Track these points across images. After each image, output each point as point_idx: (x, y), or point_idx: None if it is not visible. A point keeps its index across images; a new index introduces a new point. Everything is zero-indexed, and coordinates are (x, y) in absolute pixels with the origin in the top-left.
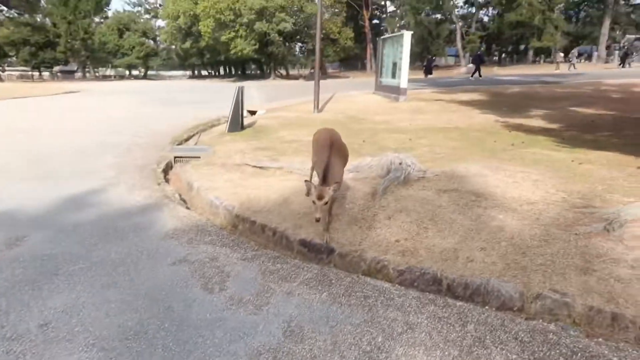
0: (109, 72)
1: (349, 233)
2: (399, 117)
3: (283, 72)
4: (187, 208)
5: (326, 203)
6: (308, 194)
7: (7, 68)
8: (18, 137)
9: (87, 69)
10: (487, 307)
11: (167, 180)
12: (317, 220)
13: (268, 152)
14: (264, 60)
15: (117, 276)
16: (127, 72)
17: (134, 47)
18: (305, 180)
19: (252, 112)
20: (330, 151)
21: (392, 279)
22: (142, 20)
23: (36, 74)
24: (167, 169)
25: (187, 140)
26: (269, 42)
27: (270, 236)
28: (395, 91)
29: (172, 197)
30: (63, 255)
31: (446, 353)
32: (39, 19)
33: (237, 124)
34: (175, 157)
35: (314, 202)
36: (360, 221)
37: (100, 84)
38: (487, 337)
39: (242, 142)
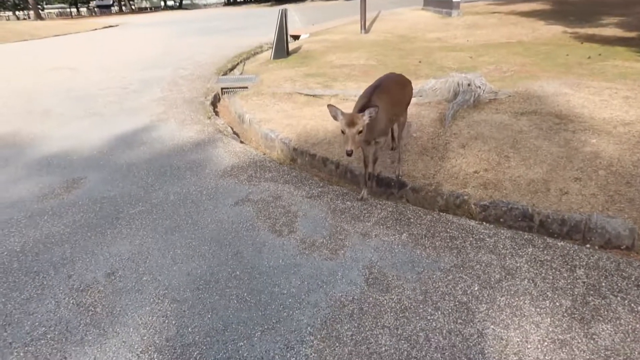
0: (144, 3)
1: (420, 164)
2: (453, 33)
3: None
4: (242, 142)
5: (360, 132)
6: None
7: (46, 6)
8: (62, 76)
9: (122, 2)
10: (590, 247)
11: (217, 113)
12: (349, 154)
13: (319, 79)
14: None
15: (179, 219)
16: (163, 3)
17: None
18: (329, 105)
19: (296, 37)
20: (381, 85)
21: (475, 215)
22: None
23: (74, 10)
24: (215, 101)
25: (231, 70)
26: None
27: (333, 170)
28: (447, 5)
29: (224, 131)
30: (122, 197)
31: (557, 304)
32: None
33: (282, 50)
34: (222, 89)
35: (342, 131)
36: (431, 151)
37: (137, 17)
38: (603, 283)
39: (289, 69)
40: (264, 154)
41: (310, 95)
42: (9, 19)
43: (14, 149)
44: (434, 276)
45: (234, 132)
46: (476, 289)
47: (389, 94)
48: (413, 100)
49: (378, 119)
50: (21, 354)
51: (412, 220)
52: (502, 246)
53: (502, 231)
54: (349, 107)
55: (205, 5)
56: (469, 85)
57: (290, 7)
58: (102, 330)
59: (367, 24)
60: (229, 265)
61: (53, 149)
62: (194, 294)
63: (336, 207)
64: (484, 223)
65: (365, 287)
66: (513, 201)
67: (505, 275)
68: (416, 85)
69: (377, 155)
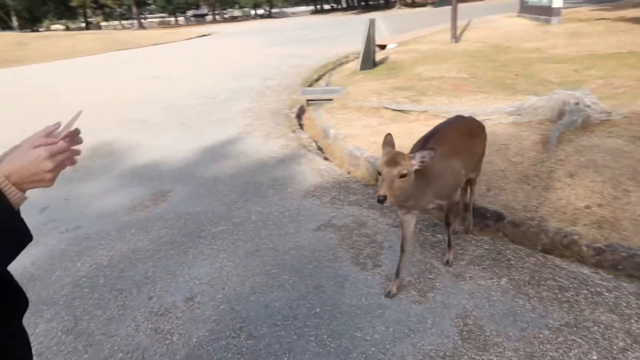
0: (236, 12)
1: (520, 194)
2: (553, 42)
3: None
4: (326, 158)
5: (403, 176)
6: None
7: (148, 16)
8: (159, 85)
9: (216, 12)
10: None
11: (301, 127)
12: (381, 200)
13: (407, 92)
14: None
15: (259, 242)
16: (253, 12)
17: None
18: (388, 134)
19: (382, 46)
20: (437, 133)
21: (586, 259)
22: None
23: (173, 19)
24: (300, 114)
25: (317, 80)
26: None
27: None
28: (545, 12)
29: (308, 145)
30: (205, 214)
31: None
32: None
33: (369, 60)
34: (307, 100)
35: (379, 172)
36: (533, 179)
37: (229, 26)
38: None
39: (376, 81)
40: (349, 173)
41: (398, 111)
42: (115, 28)
43: (111, 157)
44: (541, 335)
45: (318, 147)
46: (595, 358)
47: (451, 145)
48: (510, 119)
49: (432, 176)
50: None
51: (512, 261)
52: (625, 304)
53: (624, 284)
54: None
55: (294, 14)
56: (576, 104)
57: (377, 15)
58: None
59: (458, 32)
60: (309, 300)
61: (145, 159)
62: (271, 330)
63: (425, 240)
64: (600, 272)
65: (459, 342)
66: (636, 246)
67: (632, 343)
68: (514, 102)
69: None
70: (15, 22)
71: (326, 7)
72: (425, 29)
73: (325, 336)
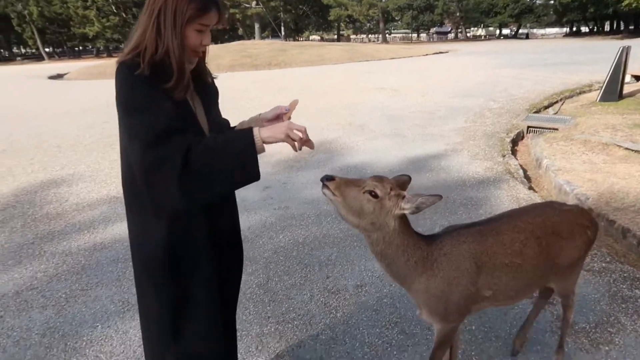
0: (480, 32)
1: None
2: None
3: None
4: (530, 188)
5: (371, 195)
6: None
7: (392, 31)
8: (384, 96)
9: (459, 30)
10: None
11: (513, 153)
12: (323, 178)
13: None
14: None
15: None
16: (497, 32)
17: (507, 5)
18: (403, 175)
19: (638, 77)
20: (501, 221)
21: None
22: None
23: (415, 35)
24: (516, 139)
25: (546, 107)
26: None
27: (633, 245)
28: None
29: (514, 173)
30: None
31: None
32: None
33: (613, 91)
34: (528, 127)
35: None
36: None
37: (470, 44)
38: None
39: (615, 115)
40: None
41: (632, 150)
42: (361, 41)
43: (328, 154)
44: None
45: (525, 176)
46: None
47: (505, 240)
48: None
49: (437, 271)
50: (272, 329)
51: None
52: None
53: None
54: None
55: (543, 36)
56: None
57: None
58: (334, 334)
59: None
60: (467, 317)
61: (355, 160)
62: (423, 332)
63: (617, 292)
64: None
65: None
66: None
67: None
68: None
69: None
70: (282, 32)
71: (584, 29)
72: None
73: (472, 353)
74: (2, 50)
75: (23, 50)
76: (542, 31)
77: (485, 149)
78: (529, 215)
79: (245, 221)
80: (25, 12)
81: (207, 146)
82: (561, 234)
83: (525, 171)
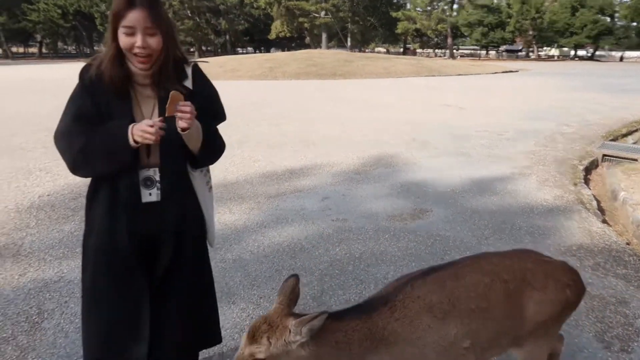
0: (553, 52)
1: None
2: None
3: None
4: (604, 221)
5: None
6: None
7: (460, 47)
8: (449, 113)
9: (530, 49)
10: None
11: (586, 181)
12: None
13: None
14: None
15: None
16: (572, 53)
17: (585, 25)
18: (291, 277)
19: None
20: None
21: None
22: None
23: (483, 52)
24: (590, 168)
25: (625, 135)
26: None
27: None
28: None
29: (587, 203)
30: (454, 241)
31: None
32: (495, 0)
33: None
34: (603, 155)
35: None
36: None
37: (541, 64)
38: None
39: None
40: (628, 244)
41: None
42: (428, 56)
43: (389, 168)
44: None
45: (599, 208)
46: None
47: (453, 294)
48: None
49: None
50: None
51: None
52: None
53: None
54: None
55: (622, 59)
56: None
57: None
58: None
59: None
60: None
61: (417, 177)
62: None
63: None
64: None
65: None
66: None
67: None
68: None
69: None
70: (349, 43)
71: None
72: None
73: None
74: (85, 48)
75: (104, 48)
76: (621, 53)
77: (556, 175)
78: (496, 257)
79: (303, 231)
80: (108, 12)
81: (89, 144)
82: (533, 283)
83: (598, 202)
